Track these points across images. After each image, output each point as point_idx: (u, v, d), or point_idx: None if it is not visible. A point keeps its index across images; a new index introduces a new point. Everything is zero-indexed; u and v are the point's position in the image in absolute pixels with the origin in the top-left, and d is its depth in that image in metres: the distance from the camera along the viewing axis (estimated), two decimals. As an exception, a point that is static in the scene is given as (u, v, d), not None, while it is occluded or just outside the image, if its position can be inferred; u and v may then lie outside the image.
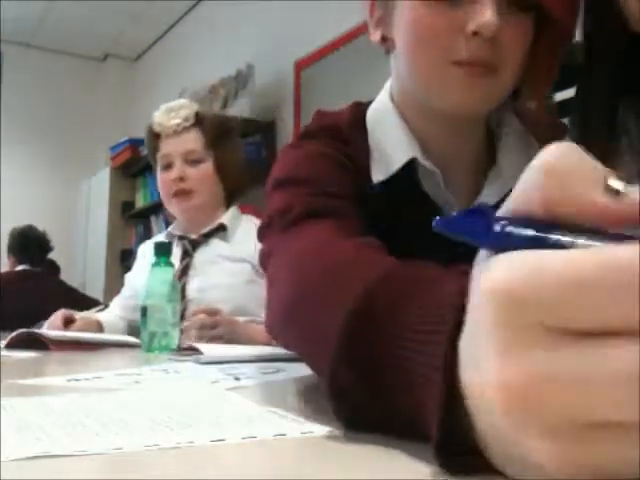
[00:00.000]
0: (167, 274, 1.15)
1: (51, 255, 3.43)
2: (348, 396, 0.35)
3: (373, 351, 0.33)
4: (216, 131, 1.55)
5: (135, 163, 4.18)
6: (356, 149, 0.70)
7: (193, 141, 1.52)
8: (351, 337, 0.35)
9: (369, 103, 0.76)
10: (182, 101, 1.56)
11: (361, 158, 0.70)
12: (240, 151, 1.69)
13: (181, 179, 1.51)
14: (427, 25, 0.63)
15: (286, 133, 3.15)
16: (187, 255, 1.53)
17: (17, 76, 4.72)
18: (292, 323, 0.48)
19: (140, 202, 4.22)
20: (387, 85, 0.76)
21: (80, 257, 4.61)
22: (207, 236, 1.55)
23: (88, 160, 4.85)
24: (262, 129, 3.20)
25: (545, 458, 0.21)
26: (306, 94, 3.07)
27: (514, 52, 0.63)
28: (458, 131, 0.70)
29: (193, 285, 1.48)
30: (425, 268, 0.36)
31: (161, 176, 1.55)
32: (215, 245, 1.54)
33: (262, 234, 0.66)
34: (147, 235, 4.09)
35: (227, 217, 1.57)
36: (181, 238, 1.57)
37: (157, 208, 3.95)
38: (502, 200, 0.73)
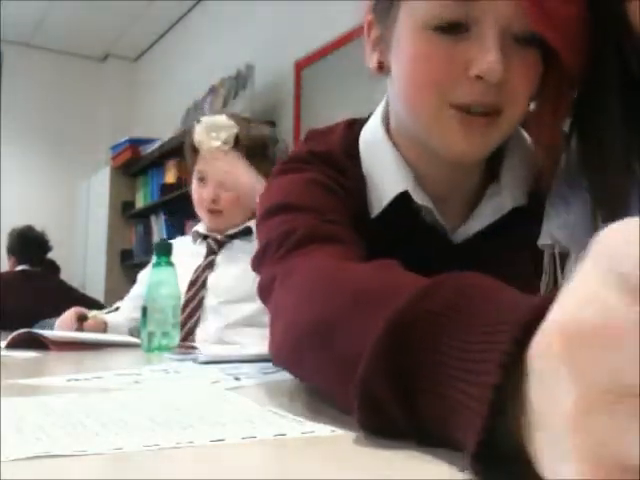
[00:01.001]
0: (168, 274, 1.15)
1: (51, 255, 3.43)
2: (378, 406, 0.34)
3: (412, 359, 0.32)
4: (253, 152, 1.58)
5: (135, 163, 4.18)
6: (351, 178, 0.69)
7: (229, 164, 1.56)
8: (390, 343, 0.33)
9: (363, 122, 0.74)
10: (223, 119, 1.56)
11: (356, 186, 0.69)
12: (272, 167, 1.73)
13: (213, 201, 1.57)
14: (428, 67, 0.59)
15: (286, 133, 3.15)
16: (212, 253, 1.60)
17: (17, 76, 4.72)
18: (317, 346, 0.43)
19: (140, 202, 4.22)
20: (380, 109, 0.73)
21: (80, 257, 4.61)
22: (232, 237, 1.62)
23: (88, 160, 4.85)
24: (262, 129, 3.20)
25: (567, 412, 0.20)
26: (306, 94, 3.07)
27: (521, 90, 0.60)
28: (456, 168, 0.67)
29: (212, 278, 1.54)
30: (468, 277, 0.35)
31: (196, 188, 1.61)
32: (239, 244, 1.61)
33: (259, 260, 0.63)
34: (147, 235, 4.09)
35: (254, 222, 1.60)
36: (205, 237, 1.64)
37: (157, 208, 3.96)
38: (499, 220, 0.71)
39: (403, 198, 0.67)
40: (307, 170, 0.68)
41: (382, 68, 0.67)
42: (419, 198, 0.67)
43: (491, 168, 0.69)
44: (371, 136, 0.71)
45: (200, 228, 1.67)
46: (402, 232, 0.68)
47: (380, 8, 0.65)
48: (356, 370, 0.34)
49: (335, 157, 0.70)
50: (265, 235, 0.63)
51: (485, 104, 0.59)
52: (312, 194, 0.65)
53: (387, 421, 0.34)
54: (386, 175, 0.68)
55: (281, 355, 0.52)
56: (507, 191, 0.68)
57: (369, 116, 0.75)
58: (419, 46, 0.60)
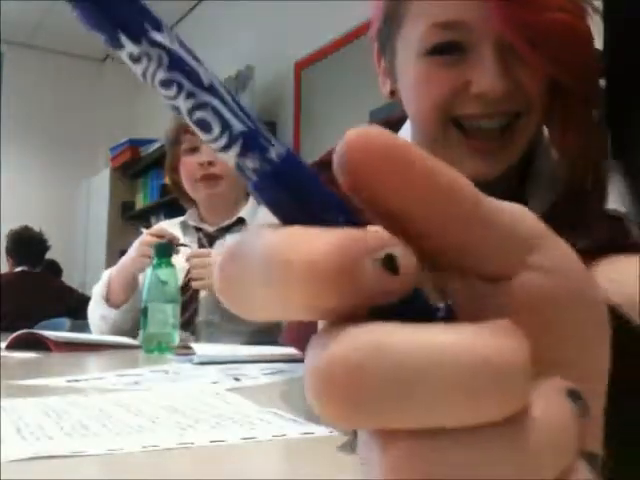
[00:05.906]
0: (168, 275, 1.15)
1: (51, 256, 3.43)
2: None
3: None
4: None
5: (135, 164, 4.19)
6: None
7: None
8: None
9: (393, 123, 0.74)
10: None
11: None
12: None
13: (210, 163, 1.42)
14: (428, 89, 0.60)
15: (286, 133, 3.15)
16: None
17: (17, 76, 4.72)
18: None
19: (140, 203, 4.22)
20: (409, 123, 0.72)
21: (80, 257, 4.61)
22: (225, 230, 1.49)
23: (88, 160, 4.85)
24: (262, 129, 3.20)
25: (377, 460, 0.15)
26: (306, 94, 3.07)
27: (532, 89, 0.59)
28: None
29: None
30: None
31: (186, 160, 1.46)
32: (231, 239, 1.51)
33: None
34: (147, 235, 4.08)
35: (246, 211, 1.50)
36: (197, 230, 1.51)
37: (157, 208, 3.95)
38: None
39: None
40: None
41: (394, 95, 0.68)
42: None
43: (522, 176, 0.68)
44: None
45: (189, 219, 1.52)
46: None
47: (381, 39, 0.66)
48: None
49: None
50: None
51: (498, 113, 0.59)
52: None
53: None
54: None
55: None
56: (532, 198, 0.67)
57: (398, 116, 0.74)
58: (417, 72, 0.61)
